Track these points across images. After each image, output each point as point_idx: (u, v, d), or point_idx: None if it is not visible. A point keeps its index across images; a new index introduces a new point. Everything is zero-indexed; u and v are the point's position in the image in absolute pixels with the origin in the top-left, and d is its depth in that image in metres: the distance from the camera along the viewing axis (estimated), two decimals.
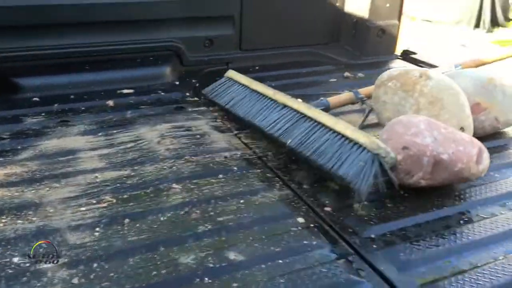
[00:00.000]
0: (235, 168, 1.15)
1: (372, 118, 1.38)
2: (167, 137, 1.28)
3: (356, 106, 1.46)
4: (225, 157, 1.20)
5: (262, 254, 0.87)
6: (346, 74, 1.80)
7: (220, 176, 1.11)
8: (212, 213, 0.97)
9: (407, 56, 2.07)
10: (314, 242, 0.90)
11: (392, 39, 2.04)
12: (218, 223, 0.94)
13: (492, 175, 1.15)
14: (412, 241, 0.93)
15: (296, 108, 1.19)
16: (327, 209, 1.01)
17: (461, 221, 1.00)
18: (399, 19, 2.04)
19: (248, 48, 1.90)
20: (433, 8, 6.13)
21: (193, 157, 1.18)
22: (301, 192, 1.07)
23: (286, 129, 1.17)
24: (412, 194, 1.06)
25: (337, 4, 2.02)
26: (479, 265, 0.87)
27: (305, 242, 0.90)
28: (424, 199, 1.05)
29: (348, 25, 2.03)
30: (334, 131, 1.08)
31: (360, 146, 1.01)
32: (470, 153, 1.04)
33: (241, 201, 1.02)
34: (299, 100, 1.27)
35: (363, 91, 1.43)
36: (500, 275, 0.85)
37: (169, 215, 0.96)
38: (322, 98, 1.38)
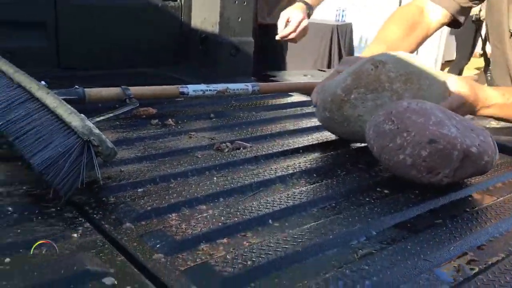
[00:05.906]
0: (10, 208, 0.71)
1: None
2: None
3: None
4: None
5: None
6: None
7: None
8: None
9: (267, 80, 1.82)
10: None
11: (247, 59, 1.79)
12: None
13: None
14: None
15: (27, 89, 0.95)
16: (159, 256, 0.63)
17: None
18: (254, 37, 1.81)
19: (71, 66, 1.48)
20: None
21: None
22: (119, 235, 0.67)
23: (4, 109, 0.93)
24: None
25: (182, 19, 1.72)
26: None
27: None
28: None
29: (197, 42, 1.73)
30: (54, 114, 0.86)
31: (72, 131, 0.80)
32: (490, 143, 0.88)
33: (7, 259, 0.59)
34: (43, 82, 1.00)
35: (136, 89, 1.20)
36: None
37: None
38: (77, 87, 1.14)
